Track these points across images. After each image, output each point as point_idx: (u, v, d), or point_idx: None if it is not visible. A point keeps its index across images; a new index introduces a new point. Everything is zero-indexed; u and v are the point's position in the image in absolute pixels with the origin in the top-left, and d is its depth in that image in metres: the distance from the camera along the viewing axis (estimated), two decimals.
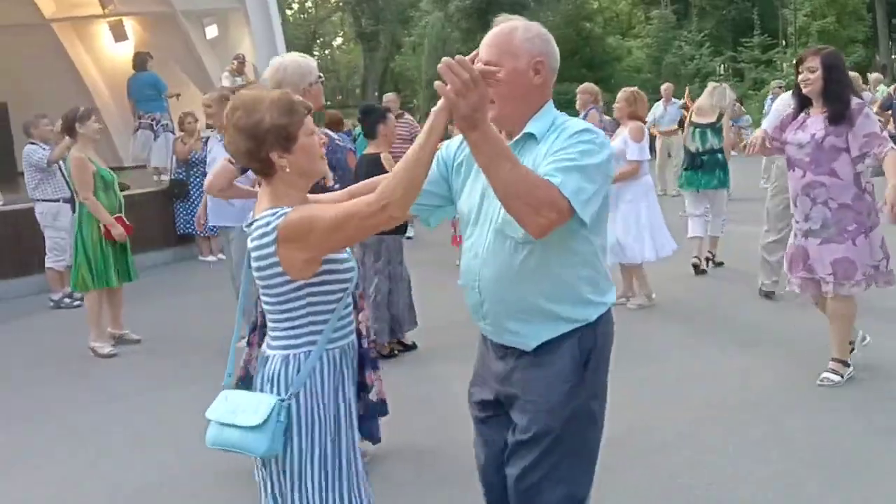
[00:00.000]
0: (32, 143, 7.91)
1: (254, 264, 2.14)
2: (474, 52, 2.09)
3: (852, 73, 13.03)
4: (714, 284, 7.36)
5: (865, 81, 13.39)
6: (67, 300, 7.72)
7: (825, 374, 4.54)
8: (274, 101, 2.10)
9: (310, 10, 46.21)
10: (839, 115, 4.27)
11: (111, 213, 6.01)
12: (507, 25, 2.14)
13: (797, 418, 4.18)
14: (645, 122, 6.60)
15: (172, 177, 10.14)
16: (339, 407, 2.19)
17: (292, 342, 2.15)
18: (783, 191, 5.62)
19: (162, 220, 9.89)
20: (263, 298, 2.19)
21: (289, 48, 36.84)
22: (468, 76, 1.81)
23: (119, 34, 13.76)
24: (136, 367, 5.85)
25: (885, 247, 4.40)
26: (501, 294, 2.13)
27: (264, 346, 2.25)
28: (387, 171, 5.32)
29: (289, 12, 44.94)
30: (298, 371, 2.13)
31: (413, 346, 5.73)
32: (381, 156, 5.47)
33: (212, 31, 13.93)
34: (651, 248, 6.30)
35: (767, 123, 5.80)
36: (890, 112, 10.95)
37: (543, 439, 2.14)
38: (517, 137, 2.14)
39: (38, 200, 7.90)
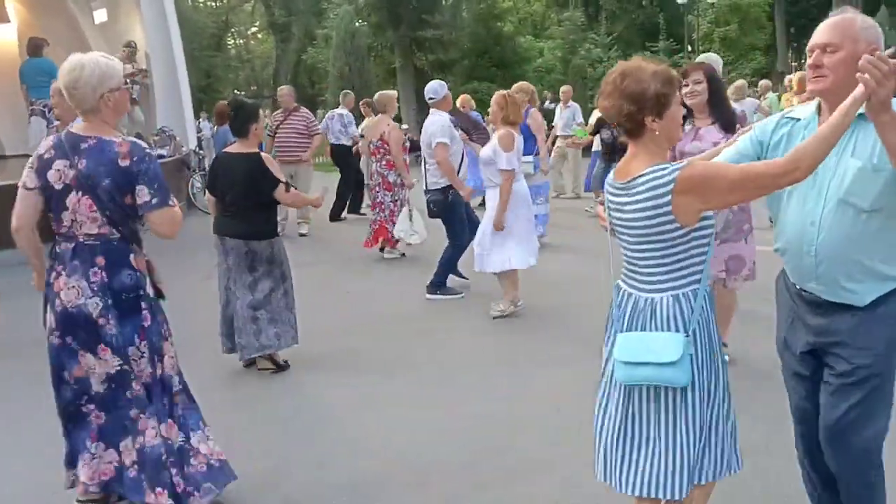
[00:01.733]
0: None
1: (639, 215, 2.41)
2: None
3: (739, 82, 13.50)
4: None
5: (754, 86, 13.79)
6: None
7: None
8: (657, 72, 2.40)
9: None
10: (731, 122, 4.56)
11: None
12: (848, 14, 2.45)
13: None
14: (517, 127, 6.28)
15: None
16: (714, 336, 2.51)
17: (678, 283, 2.45)
18: None
19: None
20: (639, 248, 2.47)
21: (199, 36, 35.58)
22: (887, 68, 2.12)
23: (0, 16, 13.02)
24: None
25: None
26: (843, 258, 2.42)
27: (629, 291, 2.55)
28: (273, 172, 5.14)
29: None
30: (691, 309, 2.43)
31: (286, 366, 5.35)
32: (263, 156, 5.16)
33: (101, 16, 13.35)
34: (518, 257, 6.17)
35: None
36: None
37: (868, 382, 2.45)
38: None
39: None
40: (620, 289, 2.60)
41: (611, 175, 2.56)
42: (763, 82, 14.04)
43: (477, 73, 25.56)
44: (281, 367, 5.29)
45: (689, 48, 29.49)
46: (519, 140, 6.28)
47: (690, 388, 2.44)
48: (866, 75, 2.14)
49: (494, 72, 25.25)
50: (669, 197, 2.33)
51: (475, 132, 9.44)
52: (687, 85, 4.57)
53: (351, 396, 4.79)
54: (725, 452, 2.55)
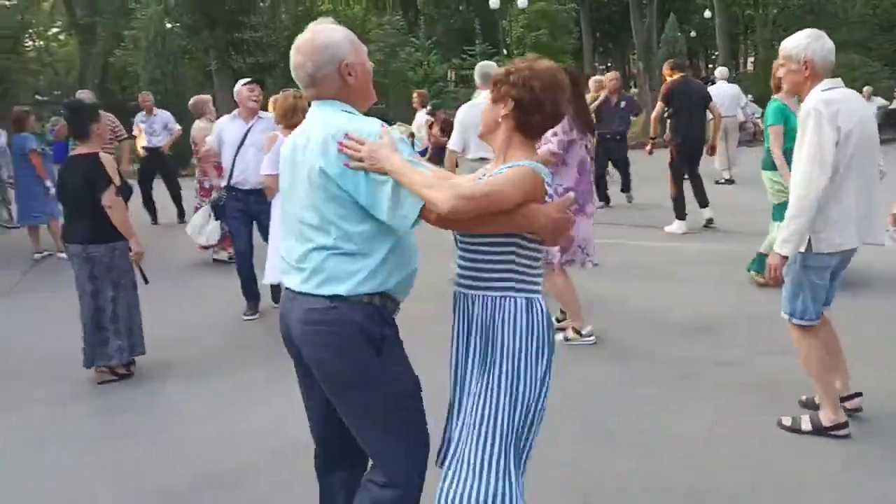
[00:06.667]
0: None
1: None
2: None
3: None
4: None
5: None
6: None
7: None
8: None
9: None
10: None
11: None
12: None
13: None
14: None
15: None
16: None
17: None
18: None
19: None
20: None
21: None
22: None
23: None
24: None
25: None
26: None
27: None
28: (108, 172, 4.86)
29: None
30: None
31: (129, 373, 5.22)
32: (100, 155, 4.98)
33: None
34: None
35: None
36: None
37: None
38: None
39: None
40: None
41: None
42: None
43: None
44: (123, 376, 5.14)
45: (505, 52, 30.64)
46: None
47: None
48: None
49: None
50: None
51: None
52: None
53: (208, 399, 4.78)
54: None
